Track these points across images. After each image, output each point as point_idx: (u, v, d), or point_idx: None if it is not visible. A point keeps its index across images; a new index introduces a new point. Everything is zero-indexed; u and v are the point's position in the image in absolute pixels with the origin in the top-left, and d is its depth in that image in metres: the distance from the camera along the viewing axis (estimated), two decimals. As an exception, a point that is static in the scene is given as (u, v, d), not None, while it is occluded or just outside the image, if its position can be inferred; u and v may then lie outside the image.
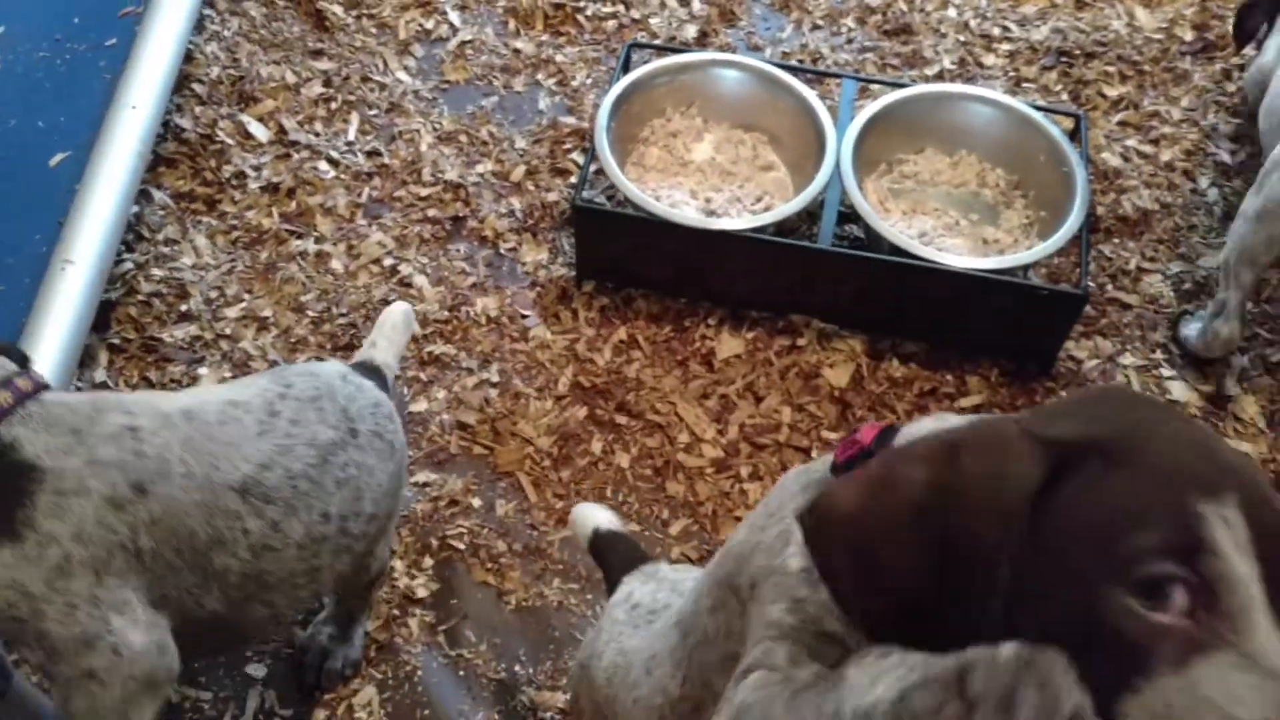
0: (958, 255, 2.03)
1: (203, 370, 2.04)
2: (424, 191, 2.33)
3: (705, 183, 2.19)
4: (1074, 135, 2.18)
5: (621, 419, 2.05)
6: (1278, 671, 0.64)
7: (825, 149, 2.09)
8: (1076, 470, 0.70)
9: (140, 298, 2.10)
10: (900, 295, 2.04)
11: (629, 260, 2.10)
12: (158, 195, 2.24)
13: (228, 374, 2.04)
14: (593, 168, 2.16)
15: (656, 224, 2.00)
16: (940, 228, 2.15)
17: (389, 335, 1.67)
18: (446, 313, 2.16)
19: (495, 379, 2.09)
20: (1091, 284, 2.16)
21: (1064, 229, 1.99)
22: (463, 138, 2.42)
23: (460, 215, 2.30)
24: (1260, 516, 0.67)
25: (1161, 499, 0.67)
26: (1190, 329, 2.10)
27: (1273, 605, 0.65)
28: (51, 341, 1.68)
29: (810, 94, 2.17)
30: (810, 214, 2.16)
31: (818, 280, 2.05)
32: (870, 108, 2.16)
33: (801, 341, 2.12)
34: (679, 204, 2.14)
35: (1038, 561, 0.70)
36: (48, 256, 1.80)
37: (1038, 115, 2.16)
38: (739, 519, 1.94)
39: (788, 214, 2.02)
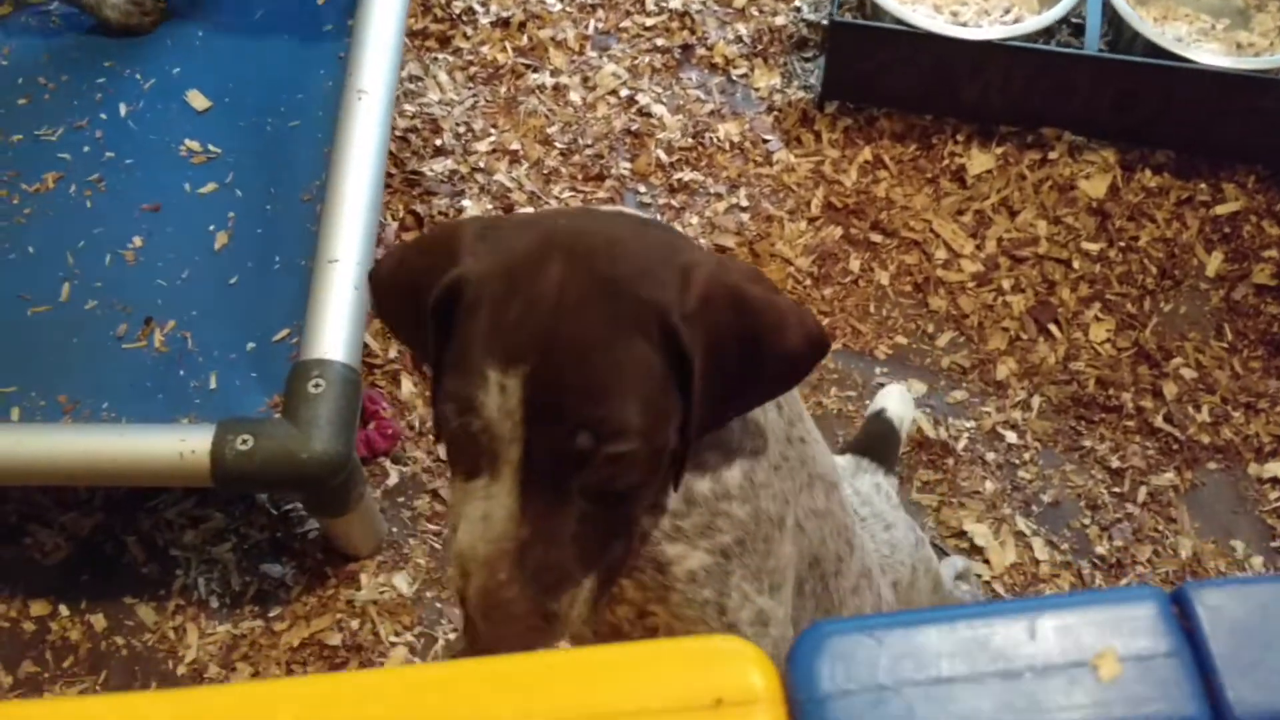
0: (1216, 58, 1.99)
1: (466, 203, 2.09)
2: (649, 21, 2.32)
3: (950, -3, 2.17)
4: (1331, -70, 2.11)
5: (876, 237, 2.07)
6: (492, 516, 0.80)
7: (1073, -44, 2.05)
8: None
9: (398, 133, 2.14)
10: (1162, 100, 2.02)
11: (880, 77, 2.09)
12: (394, 34, 2.26)
13: (489, 207, 2.09)
14: (830, -13, 2.14)
15: (917, 36, 1.99)
16: (1194, 33, 2.11)
17: None
18: (690, 140, 2.18)
19: (744, 203, 2.12)
20: (1346, 86, 2.12)
21: (1337, 25, 1.95)
22: (680, -34, 2.39)
23: (688, 43, 2.30)
24: (539, 387, 0.79)
25: (465, 362, 0.81)
26: None
27: (528, 460, 0.80)
28: (360, 170, 1.72)
29: (1055, -100, 2.11)
30: (1048, 31, 2.12)
31: (1077, 88, 2.03)
32: (1118, -89, 2.10)
33: (1053, 155, 2.12)
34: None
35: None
36: (335, 90, 1.83)
37: (1294, -90, 2.09)
38: (1005, 330, 1.98)
39: (1051, 21, 1.99)
